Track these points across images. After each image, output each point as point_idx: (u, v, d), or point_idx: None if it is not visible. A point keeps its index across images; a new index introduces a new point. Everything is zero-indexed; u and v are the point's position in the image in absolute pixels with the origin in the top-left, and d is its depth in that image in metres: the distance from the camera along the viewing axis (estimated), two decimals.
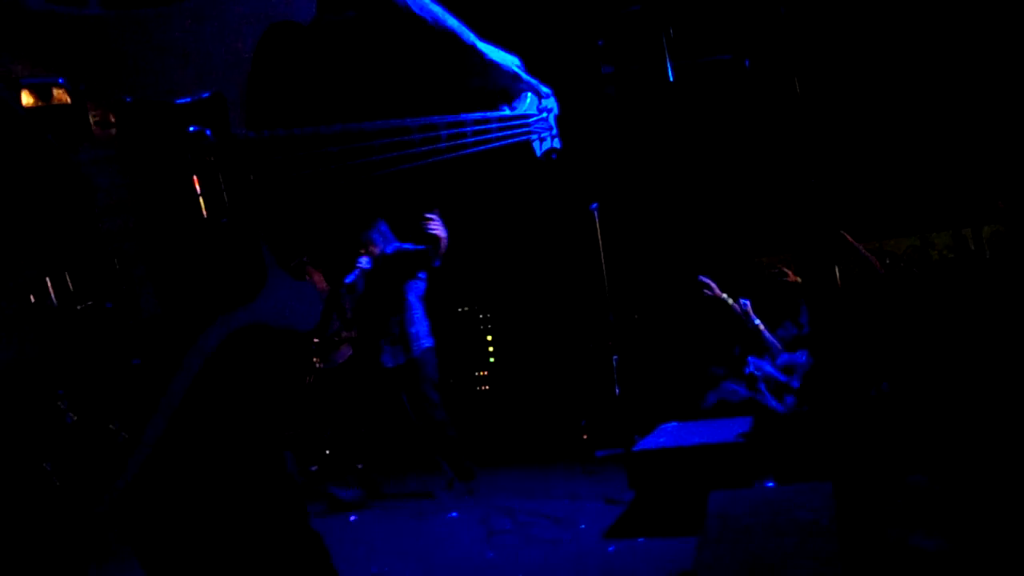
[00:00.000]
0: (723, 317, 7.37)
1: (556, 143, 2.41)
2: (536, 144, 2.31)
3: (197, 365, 1.38)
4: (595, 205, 6.74)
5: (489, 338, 9.68)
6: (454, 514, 5.72)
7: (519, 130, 2.17)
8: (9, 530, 1.29)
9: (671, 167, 8.74)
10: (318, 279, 7.05)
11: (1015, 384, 4.14)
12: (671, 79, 5.79)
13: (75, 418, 1.24)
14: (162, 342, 1.34)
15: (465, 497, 6.29)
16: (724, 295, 6.41)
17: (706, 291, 6.45)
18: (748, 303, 6.43)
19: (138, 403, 1.30)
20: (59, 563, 1.37)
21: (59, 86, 1.27)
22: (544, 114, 2.34)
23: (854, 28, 7.48)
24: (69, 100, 1.28)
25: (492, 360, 9.59)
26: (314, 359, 7.29)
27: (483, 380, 9.66)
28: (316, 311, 1.59)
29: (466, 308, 9.75)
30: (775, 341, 6.31)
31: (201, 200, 1.39)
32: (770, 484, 4.36)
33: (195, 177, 1.39)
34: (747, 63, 3.38)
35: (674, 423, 6.17)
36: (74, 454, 1.24)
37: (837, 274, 2.30)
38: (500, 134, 2.04)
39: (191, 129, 1.40)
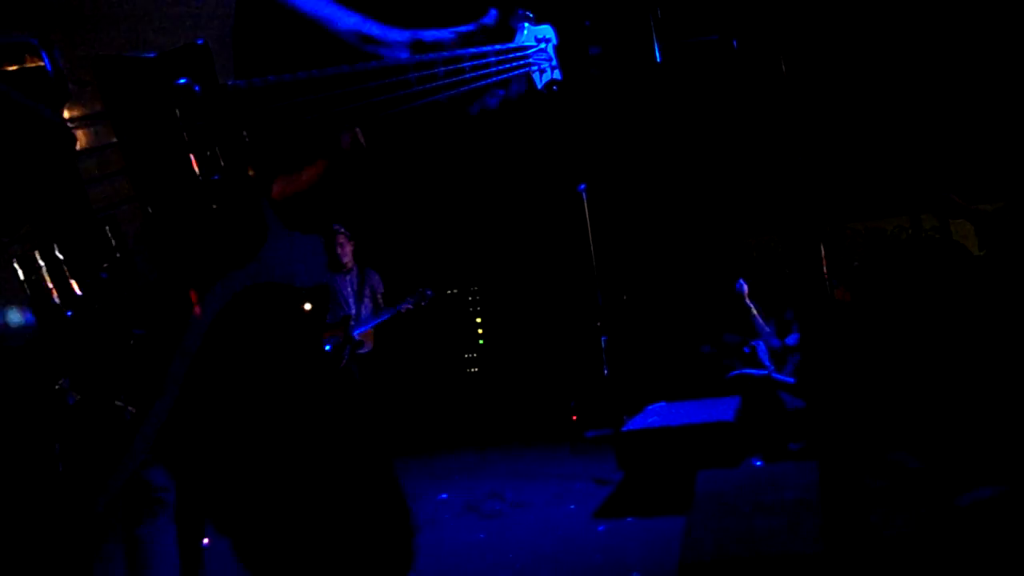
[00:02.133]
0: (713, 301, 7.42)
1: (557, 74, 2.30)
2: (536, 76, 2.22)
3: (202, 330, 1.34)
4: (583, 186, 6.74)
5: (478, 320, 9.70)
6: (444, 495, 5.75)
7: (518, 63, 2.07)
8: (14, 520, 1.26)
9: (659, 148, 8.74)
10: (348, 251, 7.24)
11: (1000, 365, 4.17)
12: (658, 60, 5.78)
13: (78, 398, 1.21)
14: (163, 310, 1.29)
15: (455, 477, 6.32)
16: (752, 304, 6.43)
17: (740, 291, 6.47)
18: (744, 285, 6.46)
19: (144, 375, 1.27)
20: (64, 553, 1.35)
21: (30, 46, 1.19)
22: (542, 44, 2.24)
23: (841, 10, 7.48)
24: (43, 59, 1.20)
25: (481, 342, 9.61)
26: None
27: (472, 362, 9.68)
28: (320, 265, 1.56)
29: (455, 290, 9.76)
30: (765, 327, 6.35)
31: (192, 157, 1.31)
32: (758, 463, 4.39)
33: (184, 134, 1.31)
34: (735, 44, 3.37)
35: (662, 403, 6.21)
36: (78, 436, 1.21)
37: (823, 255, 2.32)
38: (498, 68, 1.95)
39: (178, 82, 1.31)
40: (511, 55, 2.06)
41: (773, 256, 6.89)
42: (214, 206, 1.35)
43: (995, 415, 3.88)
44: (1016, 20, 7.32)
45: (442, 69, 1.76)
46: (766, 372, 5.97)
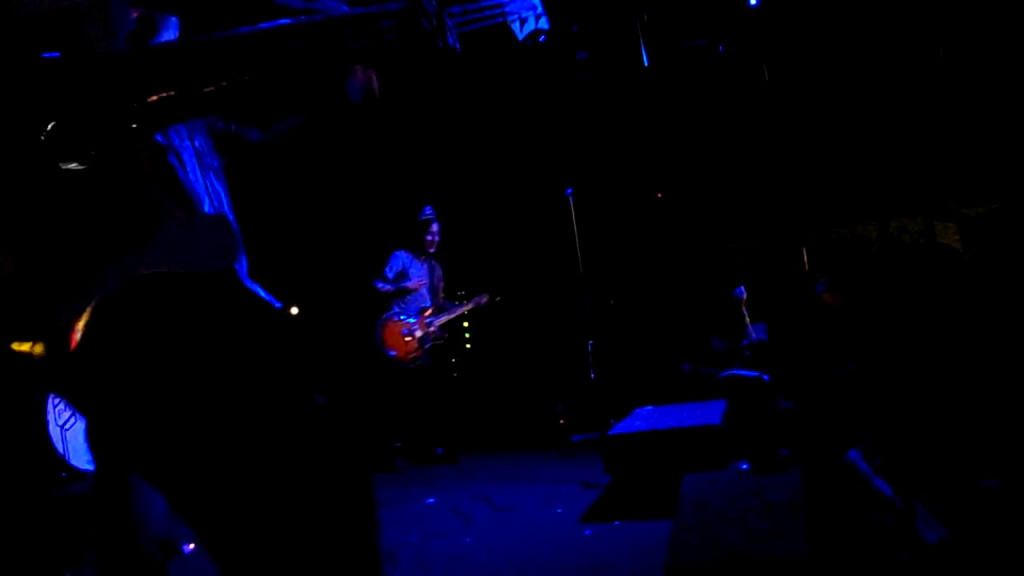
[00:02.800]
0: (700, 305, 7.43)
1: (543, 23, 2.10)
2: (516, 26, 2.04)
3: (70, 320, 1.20)
4: (570, 190, 6.75)
5: (465, 324, 9.68)
6: (431, 500, 5.74)
7: (492, 11, 1.92)
8: None
9: (646, 152, 8.76)
10: (437, 240, 7.65)
11: (985, 366, 4.19)
12: (645, 64, 5.80)
13: None
14: (32, 307, 1.17)
15: (442, 482, 6.31)
16: (747, 314, 6.46)
17: (739, 298, 6.49)
18: (744, 292, 6.49)
19: (26, 381, 1.19)
20: None
21: None
22: None
23: (825, 16, 7.51)
24: None
25: (468, 346, 9.60)
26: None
27: (459, 366, 9.67)
28: (229, 249, 1.44)
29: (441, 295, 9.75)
30: (755, 334, 6.38)
31: (61, 136, 1.14)
32: (744, 466, 4.40)
33: (53, 110, 1.13)
34: (721, 49, 3.40)
35: (649, 407, 6.22)
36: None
37: (805, 258, 2.33)
38: (470, 17, 1.83)
39: (44, 55, 1.14)
40: (485, 2, 1.93)
41: (760, 261, 6.92)
42: (92, 191, 1.23)
43: (986, 417, 3.90)
44: (999, 25, 7.37)
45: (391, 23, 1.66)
46: (757, 375, 5.99)
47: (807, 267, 2.33)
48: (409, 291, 7.52)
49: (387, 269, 7.61)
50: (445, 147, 9.24)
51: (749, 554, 2.75)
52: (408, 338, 7.35)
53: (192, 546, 4.96)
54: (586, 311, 6.50)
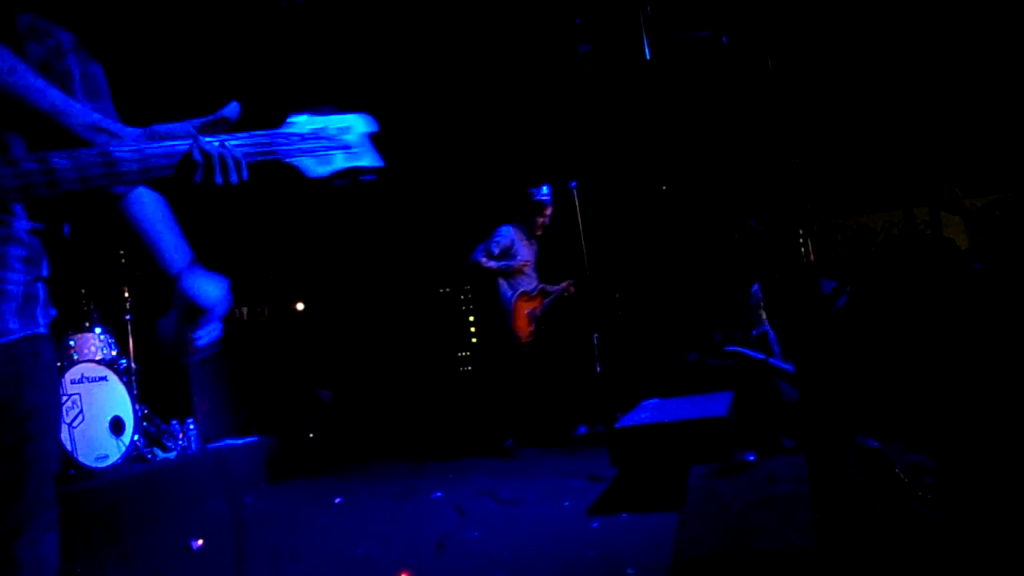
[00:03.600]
0: (706, 298, 7.42)
1: (366, 161, 2.04)
2: (302, 161, 2.01)
3: None
4: (574, 183, 6.74)
5: (471, 319, 9.68)
6: (438, 494, 5.75)
7: (263, 147, 1.97)
8: None
9: (650, 144, 8.76)
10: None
11: (990, 358, 4.19)
12: (648, 56, 5.79)
13: None
14: None
15: (450, 476, 6.32)
16: (762, 310, 6.44)
17: (756, 296, 6.48)
18: (760, 291, 6.47)
19: None
20: None
21: None
22: (325, 132, 2.01)
23: (829, 5, 7.50)
24: None
25: (475, 340, 9.60)
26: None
27: (465, 360, 9.67)
28: None
29: (448, 289, 9.75)
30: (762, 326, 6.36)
31: None
32: (751, 457, 4.41)
33: None
34: (724, 40, 3.39)
35: (655, 399, 6.22)
36: None
37: (810, 249, 2.33)
38: (240, 149, 1.93)
39: None
40: (258, 140, 1.94)
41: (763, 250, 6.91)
42: None
43: (987, 409, 3.90)
44: (1007, 17, 7.35)
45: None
46: (764, 356, 5.97)
47: (812, 258, 2.33)
48: (515, 270, 7.35)
49: (492, 244, 7.35)
50: (451, 141, 9.24)
51: (756, 545, 2.76)
52: (531, 320, 7.30)
53: (200, 542, 4.98)
54: (592, 304, 6.50)
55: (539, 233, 7.54)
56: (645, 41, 5.58)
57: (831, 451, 2.51)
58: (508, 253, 7.36)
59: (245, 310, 8.39)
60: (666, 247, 8.24)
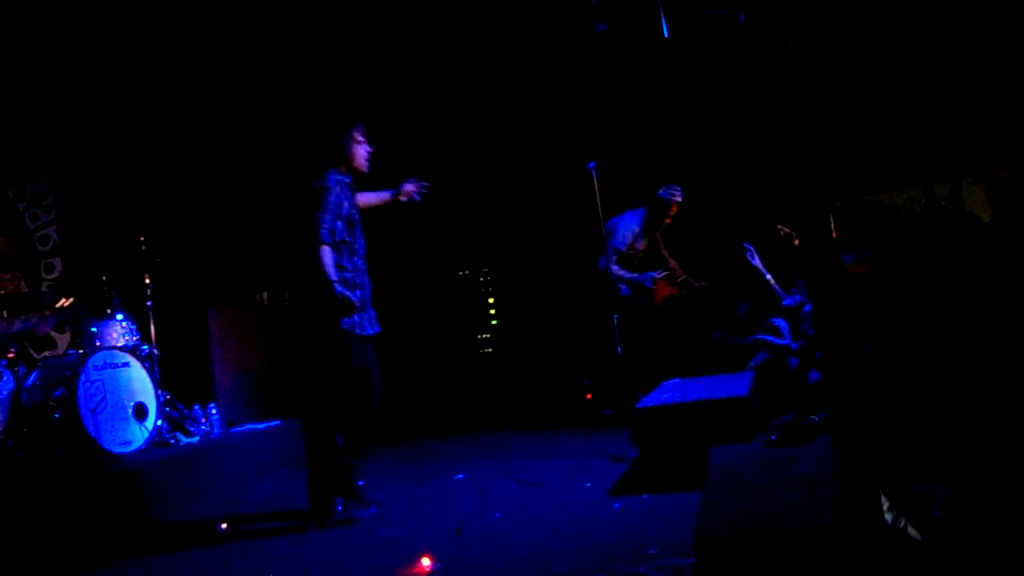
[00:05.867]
0: (729, 275, 7.38)
1: None
2: None
3: None
4: (592, 164, 6.71)
5: (491, 300, 9.70)
6: (460, 476, 5.77)
7: None
8: None
9: (668, 123, 8.70)
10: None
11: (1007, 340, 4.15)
12: (666, 35, 5.74)
13: None
14: None
15: (471, 458, 6.34)
16: (763, 268, 6.38)
17: (747, 255, 6.40)
18: (753, 249, 6.41)
19: None
20: None
21: None
22: None
23: None
24: None
25: (494, 322, 9.61)
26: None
27: (485, 342, 9.69)
28: None
29: (467, 271, 9.76)
30: (781, 291, 6.31)
31: None
32: (773, 437, 4.39)
33: None
34: (742, 18, 3.36)
35: (676, 380, 6.21)
36: None
37: (832, 228, 2.31)
38: None
39: None
40: None
41: (788, 241, 6.85)
42: None
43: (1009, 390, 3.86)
44: None
45: None
46: (786, 342, 5.96)
47: (835, 236, 2.31)
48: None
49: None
50: (471, 123, 9.22)
51: (779, 524, 2.75)
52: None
53: (225, 526, 5.02)
54: (612, 285, 6.48)
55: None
56: (663, 20, 5.53)
57: (855, 430, 2.49)
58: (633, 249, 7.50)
59: (266, 295, 8.43)
60: (686, 225, 8.18)
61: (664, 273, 7.41)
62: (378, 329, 5.10)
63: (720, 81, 8.06)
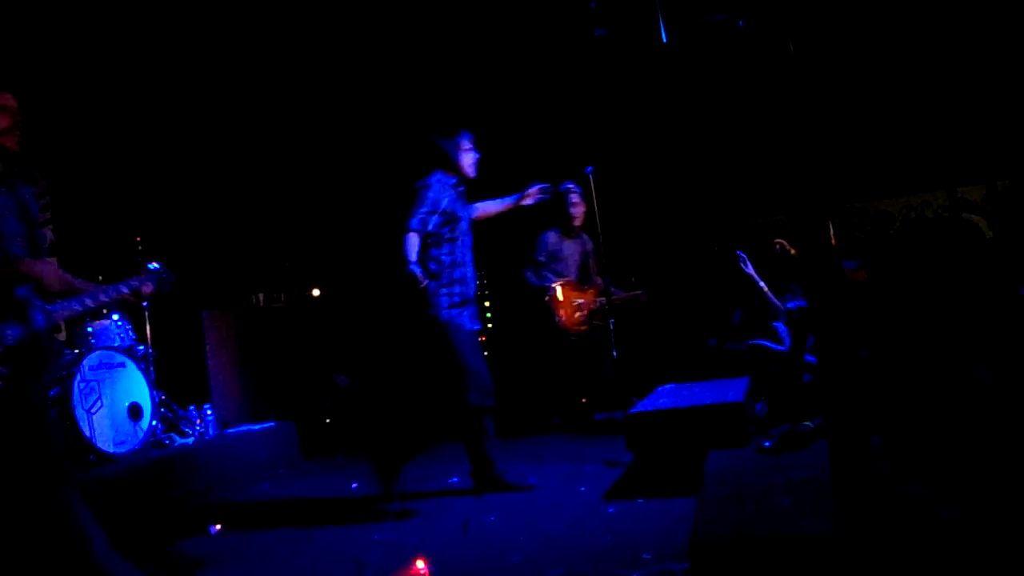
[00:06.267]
0: (723, 283, 7.37)
1: None
2: None
3: None
4: (590, 168, 6.71)
5: (487, 304, 9.68)
6: (454, 479, 5.76)
7: None
8: None
9: (666, 129, 8.71)
10: (581, 212, 7.51)
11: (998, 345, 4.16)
12: (664, 40, 5.75)
13: None
14: None
15: (464, 462, 6.32)
16: (756, 275, 6.37)
17: (740, 263, 6.40)
18: (745, 257, 6.40)
19: None
20: None
21: None
22: None
23: None
24: None
25: (490, 325, 9.60)
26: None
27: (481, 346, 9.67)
28: None
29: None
30: (777, 301, 6.31)
31: None
32: (768, 444, 4.39)
33: None
34: (740, 23, 3.36)
35: (671, 384, 6.21)
36: None
37: (831, 234, 2.31)
38: None
39: None
40: None
41: (784, 252, 6.86)
42: None
43: (1006, 395, 3.88)
44: None
45: None
46: (785, 348, 5.95)
47: (834, 242, 2.31)
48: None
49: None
50: (467, 126, 9.22)
51: (775, 531, 2.75)
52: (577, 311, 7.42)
53: (218, 527, 5.01)
54: (608, 290, 6.48)
55: (576, 225, 7.59)
56: (661, 24, 5.54)
57: (851, 436, 2.50)
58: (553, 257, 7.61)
59: (262, 296, 8.42)
60: (683, 231, 8.20)
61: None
62: (478, 325, 5.57)
63: (718, 86, 8.07)
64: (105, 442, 5.92)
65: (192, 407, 6.93)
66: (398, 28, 8.65)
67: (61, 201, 8.36)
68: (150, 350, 6.74)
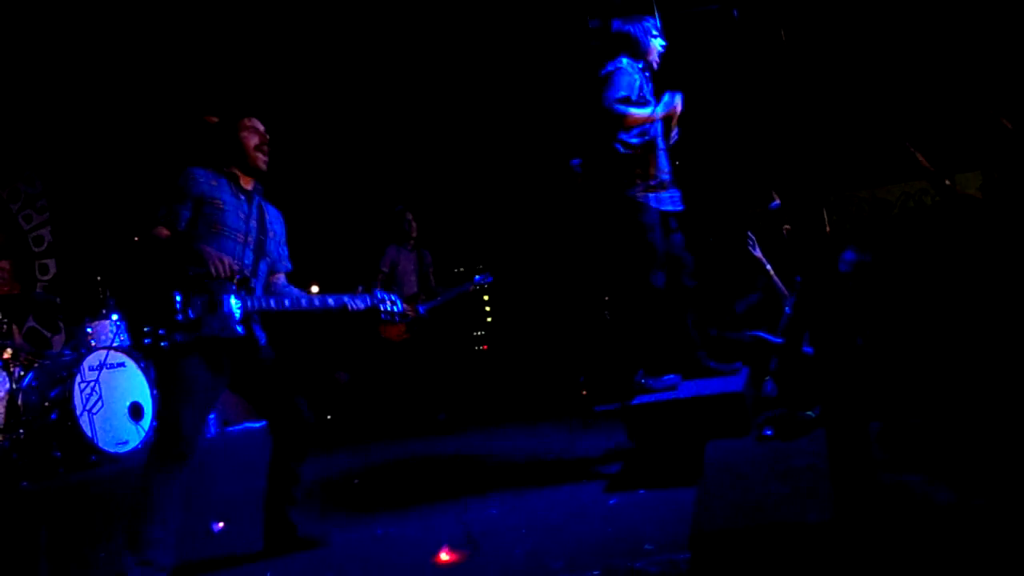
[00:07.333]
0: (724, 270, 7.36)
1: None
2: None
3: None
4: (577, 160, 6.70)
5: (486, 298, 9.70)
6: (454, 472, 5.77)
7: None
8: None
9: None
10: (414, 228, 8.00)
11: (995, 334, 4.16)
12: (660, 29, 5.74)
13: None
14: None
15: (467, 453, 6.34)
16: (764, 259, 6.36)
17: (749, 245, 6.39)
18: (754, 239, 6.39)
19: None
20: None
21: None
22: None
23: None
24: None
25: (489, 320, 9.61)
26: None
27: (481, 340, 9.68)
28: None
29: (462, 268, 9.75)
30: (784, 288, 6.30)
31: None
32: (768, 432, 4.39)
33: None
34: (735, 13, 3.36)
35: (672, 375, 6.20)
36: None
37: (826, 221, 2.31)
38: None
39: None
40: None
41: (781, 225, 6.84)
42: None
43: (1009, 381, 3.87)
44: None
45: None
46: (783, 340, 5.95)
47: (828, 229, 2.31)
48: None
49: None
50: (459, 120, 9.21)
51: (775, 519, 2.75)
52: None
53: (221, 525, 5.02)
54: (604, 282, 6.48)
55: (413, 238, 7.88)
56: (656, 14, 5.53)
57: (849, 424, 2.50)
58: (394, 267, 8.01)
59: None
60: (681, 222, 8.16)
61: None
62: (681, 207, 5.42)
63: (713, 75, 8.05)
64: (106, 442, 5.93)
65: None
66: (390, 22, 8.64)
67: (59, 202, 8.37)
68: None
